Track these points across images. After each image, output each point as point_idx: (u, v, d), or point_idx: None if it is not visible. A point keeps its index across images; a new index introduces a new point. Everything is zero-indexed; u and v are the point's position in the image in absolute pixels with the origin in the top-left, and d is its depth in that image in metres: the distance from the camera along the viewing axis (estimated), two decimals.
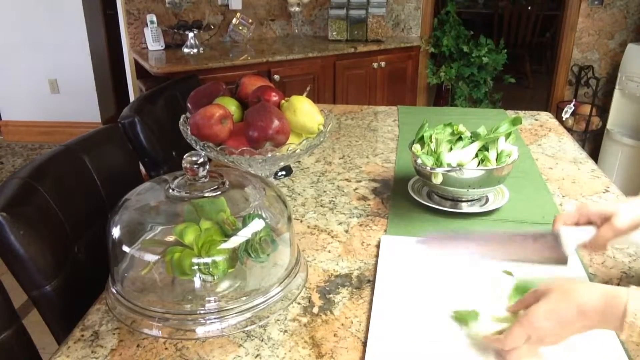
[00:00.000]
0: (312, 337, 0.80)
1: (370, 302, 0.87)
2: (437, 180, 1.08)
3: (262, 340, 0.79)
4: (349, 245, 1.04)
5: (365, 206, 1.20)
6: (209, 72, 2.66)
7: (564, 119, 3.28)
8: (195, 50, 2.93)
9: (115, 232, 0.80)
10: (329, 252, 1.02)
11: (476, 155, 1.11)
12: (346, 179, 1.34)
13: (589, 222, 0.83)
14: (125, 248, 0.79)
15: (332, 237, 1.08)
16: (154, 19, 2.96)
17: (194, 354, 0.77)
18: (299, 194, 1.26)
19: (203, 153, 0.85)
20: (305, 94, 1.20)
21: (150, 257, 0.78)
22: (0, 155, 3.77)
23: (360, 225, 1.12)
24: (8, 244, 0.87)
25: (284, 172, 1.35)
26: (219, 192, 0.82)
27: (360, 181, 1.33)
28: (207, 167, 0.83)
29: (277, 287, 0.80)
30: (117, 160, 1.29)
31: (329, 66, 3.06)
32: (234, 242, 0.77)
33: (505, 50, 3.37)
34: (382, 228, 1.10)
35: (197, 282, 0.77)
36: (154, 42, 2.98)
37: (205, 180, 0.83)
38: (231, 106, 1.17)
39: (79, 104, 3.90)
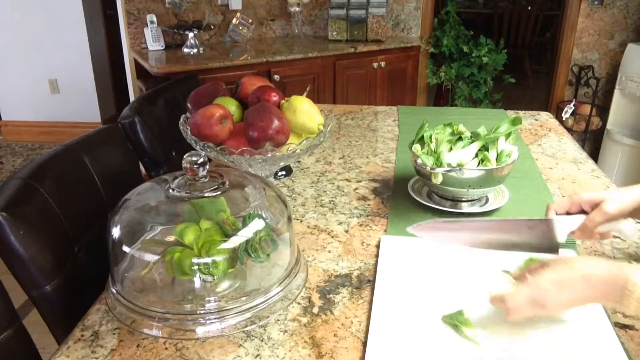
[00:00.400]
0: (312, 337, 0.80)
1: (370, 302, 0.87)
2: (437, 180, 1.08)
3: (262, 340, 0.79)
4: (349, 245, 1.04)
5: (365, 206, 1.20)
6: (209, 72, 2.66)
7: (564, 119, 3.28)
8: (195, 50, 2.93)
9: (115, 232, 0.80)
10: (329, 252, 1.02)
11: (476, 155, 1.11)
12: (346, 179, 1.34)
13: (581, 211, 0.86)
14: (125, 248, 0.79)
15: (332, 237, 1.08)
16: (154, 19, 2.96)
17: (194, 354, 0.77)
18: (299, 194, 1.27)
19: (203, 153, 0.85)
20: (305, 94, 1.20)
21: (150, 257, 0.78)
22: (0, 155, 3.77)
23: (360, 225, 1.12)
24: (8, 244, 0.87)
25: (284, 172, 1.35)
26: (219, 192, 0.82)
27: (360, 181, 1.33)
28: (207, 167, 0.83)
29: (277, 287, 0.80)
30: (117, 160, 1.29)
31: (329, 66, 3.06)
32: (234, 242, 0.77)
33: (505, 50, 3.37)
34: (382, 228, 1.10)
35: (197, 282, 0.77)
36: (154, 42, 2.98)
37: (205, 180, 0.83)
38: (231, 106, 1.17)
39: (79, 104, 3.90)
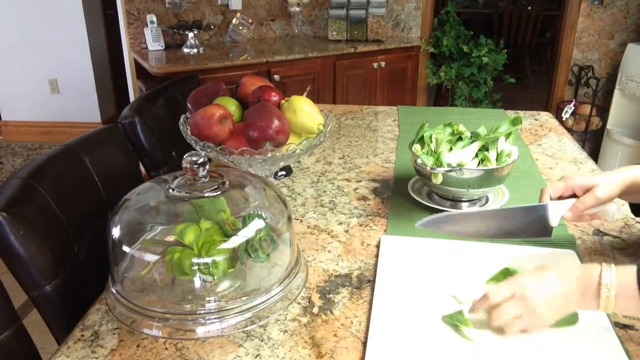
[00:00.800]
0: (312, 337, 0.80)
1: (370, 302, 0.87)
2: (437, 180, 1.08)
3: (262, 340, 0.79)
4: (349, 245, 1.04)
5: (365, 206, 1.20)
6: (209, 72, 2.66)
7: (564, 119, 3.28)
8: (195, 50, 2.93)
9: (115, 232, 0.80)
10: (329, 252, 1.02)
11: (476, 155, 1.11)
12: (346, 179, 1.34)
13: (573, 195, 0.91)
14: (125, 248, 0.79)
15: (332, 237, 1.08)
16: (154, 19, 2.96)
17: (194, 354, 0.77)
18: (299, 194, 1.27)
19: (203, 153, 0.85)
20: (305, 94, 1.20)
21: (150, 257, 0.78)
22: (0, 155, 3.77)
23: (360, 225, 1.12)
24: (8, 243, 0.87)
25: (284, 172, 1.35)
26: (219, 192, 0.82)
27: (360, 181, 1.33)
28: (207, 167, 0.83)
29: (277, 287, 0.80)
30: (117, 160, 1.29)
31: (329, 66, 3.06)
32: (234, 242, 0.77)
33: (505, 50, 3.37)
34: (382, 228, 1.10)
35: (197, 282, 0.77)
36: (154, 42, 2.98)
37: (205, 180, 0.83)
38: (231, 106, 1.17)
39: (79, 104, 3.90)
